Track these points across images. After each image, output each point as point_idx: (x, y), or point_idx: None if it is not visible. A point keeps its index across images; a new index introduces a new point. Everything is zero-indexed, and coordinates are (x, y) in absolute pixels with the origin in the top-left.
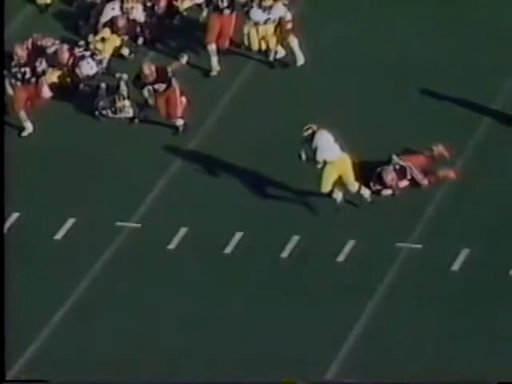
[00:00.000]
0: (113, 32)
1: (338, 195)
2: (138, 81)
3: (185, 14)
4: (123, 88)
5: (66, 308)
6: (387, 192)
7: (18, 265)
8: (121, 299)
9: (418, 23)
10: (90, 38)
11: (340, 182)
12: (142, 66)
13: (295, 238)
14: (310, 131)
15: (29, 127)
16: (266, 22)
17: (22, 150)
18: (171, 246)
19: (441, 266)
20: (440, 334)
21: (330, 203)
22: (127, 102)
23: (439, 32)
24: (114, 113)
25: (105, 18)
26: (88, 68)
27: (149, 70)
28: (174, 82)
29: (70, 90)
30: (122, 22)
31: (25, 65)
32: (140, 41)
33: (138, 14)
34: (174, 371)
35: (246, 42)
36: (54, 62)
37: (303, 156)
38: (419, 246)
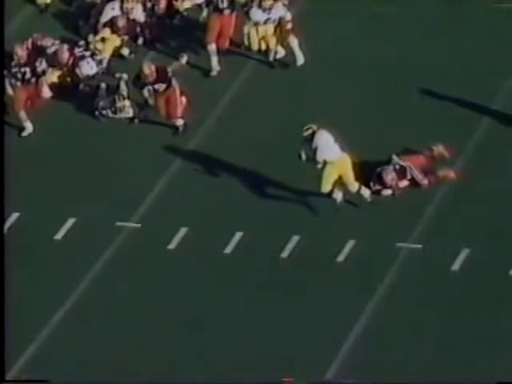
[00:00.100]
0: (113, 32)
1: (338, 195)
2: (138, 81)
3: (185, 14)
4: (123, 88)
5: (65, 308)
6: (387, 192)
7: (18, 265)
8: (121, 299)
9: (417, 23)
10: (90, 38)
11: (340, 182)
12: (142, 65)
13: (295, 238)
14: (309, 131)
15: (29, 127)
16: (265, 22)
17: (21, 150)
18: (171, 246)
19: (441, 266)
20: (440, 333)
21: (330, 203)
22: (127, 102)
23: (439, 32)
24: (114, 113)
25: (105, 18)
26: (88, 68)
27: (149, 69)
28: (174, 82)
29: (70, 90)
30: (122, 22)
31: (25, 65)
32: (140, 41)
33: (138, 14)
34: (173, 371)
35: (246, 42)
36: (53, 62)
37: (303, 156)
38: (419, 246)
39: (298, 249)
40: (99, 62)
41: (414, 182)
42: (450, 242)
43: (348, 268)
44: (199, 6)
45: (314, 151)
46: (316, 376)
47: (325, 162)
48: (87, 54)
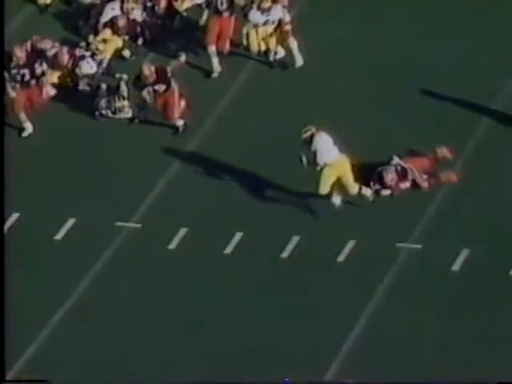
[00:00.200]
0: (113, 32)
1: (337, 200)
2: (138, 82)
3: (185, 14)
4: (123, 88)
5: (65, 308)
6: (386, 192)
7: (18, 265)
8: (121, 299)
9: (417, 23)
10: (91, 38)
11: (339, 184)
12: (141, 67)
13: (295, 239)
14: (309, 133)
15: (29, 127)
16: (265, 24)
17: (22, 150)
18: (171, 246)
19: (441, 266)
20: (440, 333)
21: (330, 204)
22: (127, 103)
23: (439, 32)
24: (114, 113)
25: (105, 18)
26: (88, 68)
27: (149, 70)
28: (174, 84)
29: (70, 90)
30: (122, 22)
31: (24, 67)
32: (140, 41)
33: (138, 15)
34: (174, 371)
35: (245, 43)
36: (53, 64)
37: (304, 160)
38: (419, 246)
39: (298, 249)
40: (99, 62)
41: (414, 184)
42: (450, 242)
43: (348, 268)
44: (199, 6)
45: (314, 154)
46: (316, 376)
47: (324, 164)
48: (87, 54)
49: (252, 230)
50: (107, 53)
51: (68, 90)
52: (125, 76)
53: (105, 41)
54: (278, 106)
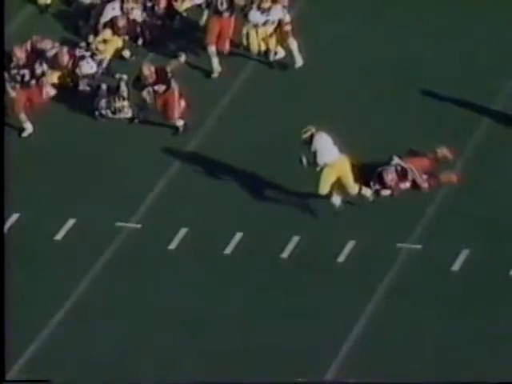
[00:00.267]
0: (114, 33)
1: (337, 200)
2: (138, 82)
3: (185, 14)
4: (123, 89)
5: (65, 308)
6: (386, 192)
7: (18, 265)
8: (121, 299)
9: (417, 23)
10: (91, 38)
11: (339, 185)
12: (141, 67)
13: (295, 239)
14: (308, 133)
15: (29, 128)
16: (264, 24)
17: (22, 150)
18: (171, 247)
19: (441, 266)
20: (440, 333)
21: (330, 204)
22: (127, 103)
23: (439, 32)
24: (114, 113)
25: (105, 18)
26: (88, 67)
27: (148, 71)
28: (173, 84)
29: (70, 90)
30: (122, 22)
31: (23, 67)
32: (140, 41)
33: (138, 15)
34: (174, 371)
35: (245, 43)
36: (53, 64)
37: (304, 161)
38: (419, 246)
39: (298, 249)
40: (99, 62)
41: (414, 185)
42: (450, 242)
43: (348, 268)
44: (199, 6)
45: (314, 154)
46: (316, 376)
47: (324, 164)
48: (87, 54)
49: (252, 230)
50: (107, 53)
51: (68, 90)
52: (125, 76)
53: (105, 41)
54: (278, 106)
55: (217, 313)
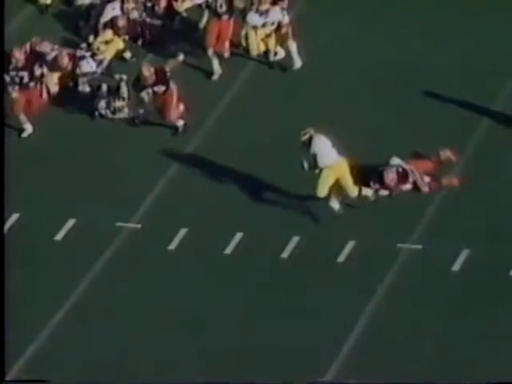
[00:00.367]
0: (114, 33)
1: (335, 204)
2: (138, 83)
3: (185, 14)
4: (123, 89)
5: (65, 308)
6: (384, 192)
7: (18, 265)
8: (121, 299)
9: (417, 23)
10: (91, 38)
11: (338, 187)
12: (141, 68)
13: (295, 239)
14: (307, 136)
15: (29, 128)
16: (263, 26)
17: (22, 150)
18: (171, 247)
19: (441, 266)
20: (440, 333)
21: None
22: (127, 103)
23: (439, 32)
24: (114, 113)
25: (105, 18)
26: (88, 67)
27: (148, 72)
28: (172, 85)
29: (70, 90)
30: (122, 22)
31: (22, 69)
32: (140, 41)
33: (138, 15)
34: (174, 371)
35: (244, 44)
36: (53, 66)
37: (305, 165)
38: (419, 246)
39: (298, 249)
40: (99, 62)
41: (415, 187)
42: (450, 242)
43: (348, 268)
44: (199, 6)
45: (314, 157)
46: (316, 376)
47: (325, 167)
48: (88, 54)
49: (252, 230)
50: (108, 54)
51: (68, 90)
52: (124, 76)
53: (106, 42)
54: (277, 107)
55: (217, 313)
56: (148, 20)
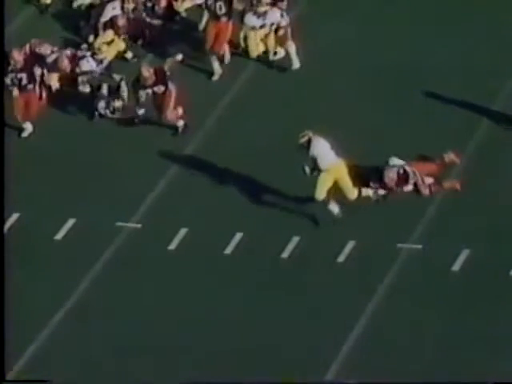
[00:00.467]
0: (115, 33)
1: (334, 208)
2: (138, 84)
3: (185, 14)
4: (123, 89)
5: (66, 308)
6: (381, 191)
7: (18, 265)
8: (121, 299)
9: (417, 24)
10: (91, 38)
11: (337, 189)
12: (140, 69)
13: (295, 239)
14: (305, 138)
15: (29, 128)
16: (261, 27)
17: (22, 150)
18: (171, 247)
19: (441, 266)
20: (440, 333)
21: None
22: (127, 103)
23: (439, 33)
24: (113, 113)
25: (105, 18)
26: (88, 66)
27: (148, 72)
28: (171, 85)
29: (70, 90)
30: (121, 22)
31: (21, 70)
32: (140, 41)
33: (138, 15)
34: (174, 371)
35: (243, 45)
36: (53, 69)
37: (307, 171)
38: (419, 246)
39: (298, 249)
40: (99, 62)
41: (416, 189)
42: (450, 242)
43: (348, 268)
44: (199, 6)
45: (314, 160)
46: (316, 376)
47: (319, 170)
48: (88, 53)
49: (252, 230)
50: (109, 55)
51: (68, 90)
52: (124, 77)
53: (108, 43)
54: (278, 108)
55: (217, 313)
56: (148, 20)
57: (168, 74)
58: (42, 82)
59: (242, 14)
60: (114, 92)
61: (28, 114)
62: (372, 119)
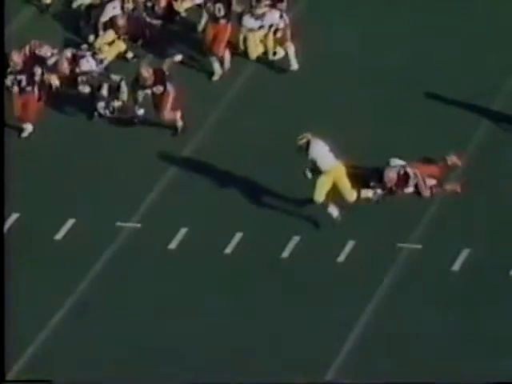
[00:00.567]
0: (116, 33)
1: (334, 211)
2: (137, 84)
3: (185, 14)
4: (124, 89)
5: (65, 308)
6: (382, 191)
7: (18, 265)
8: (121, 299)
9: (417, 25)
10: (91, 38)
11: (335, 191)
12: (140, 69)
13: (295, 238)
14: (304, 140)
15: (28, 128)
16: (260, 29)
17: (21, 150)
18: (171, 246)
19: (441, 266)
20: (440, 333)
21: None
22: (127, 103)
23: (439, 34)
24: (113, 113)
25: (105, 18)
26: (87, 66)
27: (147, 73)
28: (169, 86)
29: (70, 90)
30: (121, 22)
31: (20, 72)
32: (140, 41)
33: (138, 15)
34: (173, 371)
35: (242, 47)
36: (53, 71)
37: (309, 174)
38: (419, 246)
39: (298, 249)
40: (99, 62)
41: (417, 190)
42: (450, 242)
43: (348, 268)
44: (199, 6)
45: (314, 162)
46: (316, 376)
47: (320, 172)
48: (88, 53)
49: (252, 230)
50: (110, 55)
51: (67, 90)
52: (124, 77)
53: (109, 44)
54: (278, 108)
55: (217, 313)
56: (148, 20)
57: (167, 74)
58: (42, 82)
59: (241, 16)
60: (114, 92)
61: (26, 115)
62: (372, 120)
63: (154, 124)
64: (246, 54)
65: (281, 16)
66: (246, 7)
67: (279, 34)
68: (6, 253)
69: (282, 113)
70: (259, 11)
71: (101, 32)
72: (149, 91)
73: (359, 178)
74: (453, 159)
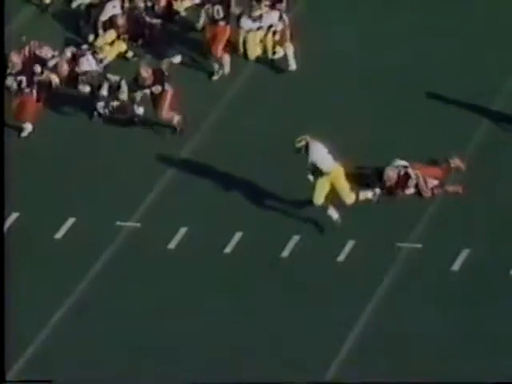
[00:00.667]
0: (116, 33)
1: (334, 214)
2: (136, 84)
3: (184, 14)
4: (124, 89)
5: (65, 308)
6: (381, 191)
7: (18, 264)
8: (121, 299)
9: (417, 25)
10: (91, 38)
11: (334, 193)
12: (139, 69)
13: (295, 238)
14: (303, 142)
15: (28, 127)
16: (259, 29)
17: (21, 150)
18: (171, 246)
19: (441, 266)
20: (440, 333)
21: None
22: (126, 103)
23: (439, 34)
24: (113, 113)
25: (105, 17)
26: (87, 66)
27: (146, 73)
28: (168, 86)
29: (70, 90)
30: (121, 21)
31: (20, 73)
32: (140, 41)
33: (139, 14)
34: (173, 371)
35: (242, 49)
36: (53, 72)
37: (311, 178)
38: (419, 245)
39: (298, 249)
40: (99, 61)
41: (418, 191)
42: (450, 242)
43: (348, 268)
44: (199, 5)
45: (314, 165)
46: (316, 376)
47: (319, 174)
48: (88, 52)
49: (252, 230)
50: (110, 55)
51: (67, 89)
52: (125, 77)
53: (110, 44)
54: (277, 108)
55: (217, 313)
56: (148, 20)
57: (166, 74)
58: (41, 83)
59: (239, 18)
60: (114, 91)
61: (24, 116)
62: (371, 120)
63: (153, 124)
64: (245, 55)
65: (280, 17)
66: (244, 9)
67: (277, 37)
68: (6, 252)
69: (282, 113)
70: (257, 12)
71: (100, 31)
72: (147, 91)
73: (359, 179)
74: (456, 162)
